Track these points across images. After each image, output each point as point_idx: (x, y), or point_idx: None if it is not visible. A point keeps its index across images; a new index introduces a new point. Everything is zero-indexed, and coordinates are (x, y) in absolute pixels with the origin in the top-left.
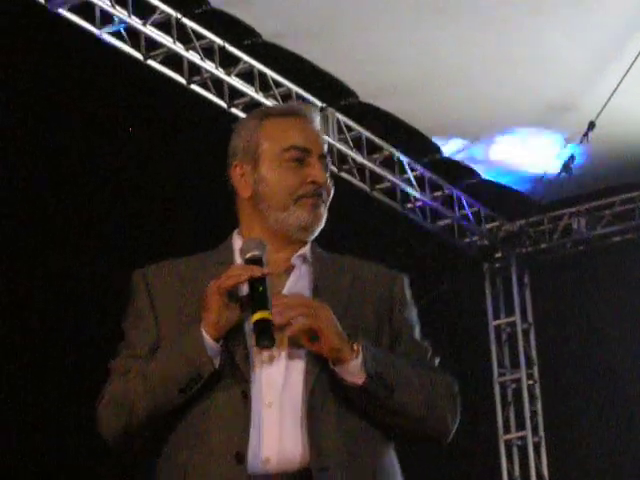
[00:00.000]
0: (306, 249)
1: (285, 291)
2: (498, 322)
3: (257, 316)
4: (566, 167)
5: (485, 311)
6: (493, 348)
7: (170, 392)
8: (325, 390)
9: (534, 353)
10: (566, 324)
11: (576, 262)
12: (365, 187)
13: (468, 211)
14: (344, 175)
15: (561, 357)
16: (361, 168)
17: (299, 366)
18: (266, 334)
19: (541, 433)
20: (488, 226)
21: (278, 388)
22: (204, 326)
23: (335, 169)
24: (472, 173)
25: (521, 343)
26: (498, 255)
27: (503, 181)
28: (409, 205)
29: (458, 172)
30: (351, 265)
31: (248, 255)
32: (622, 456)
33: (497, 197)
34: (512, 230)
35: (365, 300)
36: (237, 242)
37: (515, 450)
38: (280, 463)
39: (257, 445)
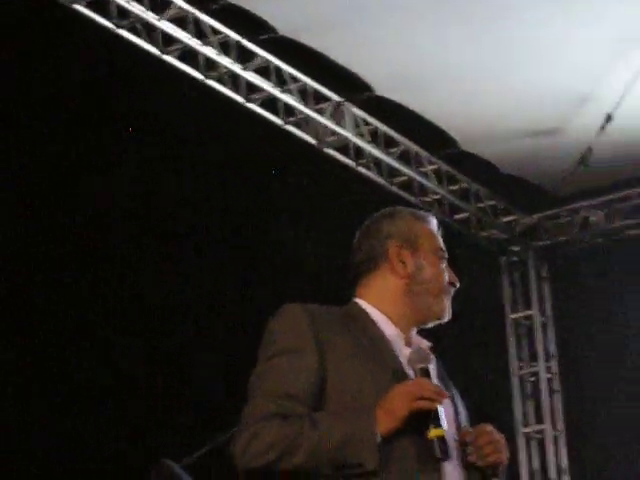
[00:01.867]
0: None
1: (436, 382)
2: (516, 315)
3: (437, 433)
4: (583, 159)
5: (503, 305)
6: (511, 342)
7: (326, 466)
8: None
9: (553, 346)
10: (585, 317)
11: (594, 255)
12: (382, 181)
13: (485, 204)
14: (361, 170)
15: (580, 350)
16: (378, 162)
17: (454, 447)
18: (446, 452)
19: (560, 426)
20: (505, 219)
21: (453, 465)
22: (380, 426)
23: (352, 163)
24: (490, 166)
25: (539, 336)
26: (516, 248)
27: (521, 174)
28: (426, 199)
29: (476, 165)
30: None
31: (420, 366)
32: None
33: (515, 190)
34: (530, 223)
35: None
36: (378, 317)
37: (534, 443)
38: None
39: None
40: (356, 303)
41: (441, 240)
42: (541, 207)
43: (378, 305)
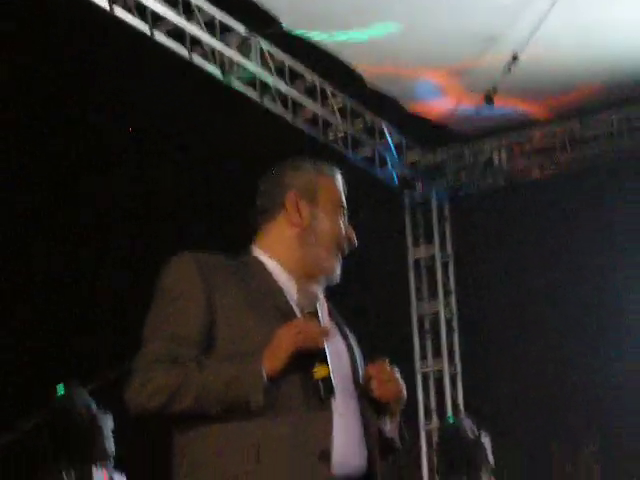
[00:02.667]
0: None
1: (325, 323)
2: (417, 254)
3: (321, 372)
4: (488, 99)
5: (405, 243)
6: (412, 280)
7: (214, 406)
8: (367, 407)
9: (452, 285)
10: (485, 257)
11: (496, 195)
12: (287, 116)
13: (390, 141)
14: (266, 104)
15: (479, 289)
16: (284, 97)
17: (350, 385)
18: (331, 389)
19: (457, 364)
20: (409, 157)
21: (346, 402)
22: (266, 365)
23: (257, 97)
24: (395, 104)
25: (440, 275)
26: (419, 187)
27: (426, 113)
28: (331, 134)
29: (381, 102)
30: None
31: (308, 308)
32: (536, 387)
33: (419, 128)
34: (433, 162)
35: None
36: (270, 264)
37: (431, 382)
38: (347, 465)
39: (334, 448)
40: (251, 252)
41: (343, 196)
42: (445, 146)
43: (272, 253)
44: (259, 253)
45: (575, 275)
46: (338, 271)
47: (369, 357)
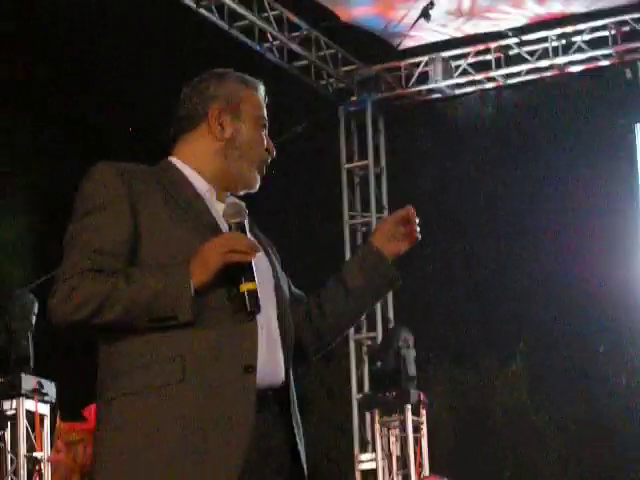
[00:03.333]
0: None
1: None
2: (350, 165)
3: (248, 286)
4: (425, 13)
5: (338, 154)
6: (344, 191)
7: (141, 319)
8: (286, 318)
9: (385, 197)
10: (418, 170)
11: (430, 110)
12: (223, 24)
13: (326, 53)
14: (202, 12)
15: (411, 202)
16: (220, 5)
17: (272, 298)
18: (257, 303)
19: None
20: (345, 69)
21: (268, 315)
22: (194, 279)
23: (194, 4)
24: (332, 15)
25: (373, 187)
26: (354, 99)
27: (362, 25)
28: (267, 45)
29: (318, 13)
30: None
31: (235, 221)
32: (466, 300)
33: (356, 40)
34: (369, 74)
35: None
36: (189, 173)
37: None
38: (270, 377)
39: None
40: (169, 161)
41: (265, 109)
42: (381, 59)
43: (191, 163)
44: (178, 162)
45: (506, 188)
46: (258, 184)
47: (298, 270)
